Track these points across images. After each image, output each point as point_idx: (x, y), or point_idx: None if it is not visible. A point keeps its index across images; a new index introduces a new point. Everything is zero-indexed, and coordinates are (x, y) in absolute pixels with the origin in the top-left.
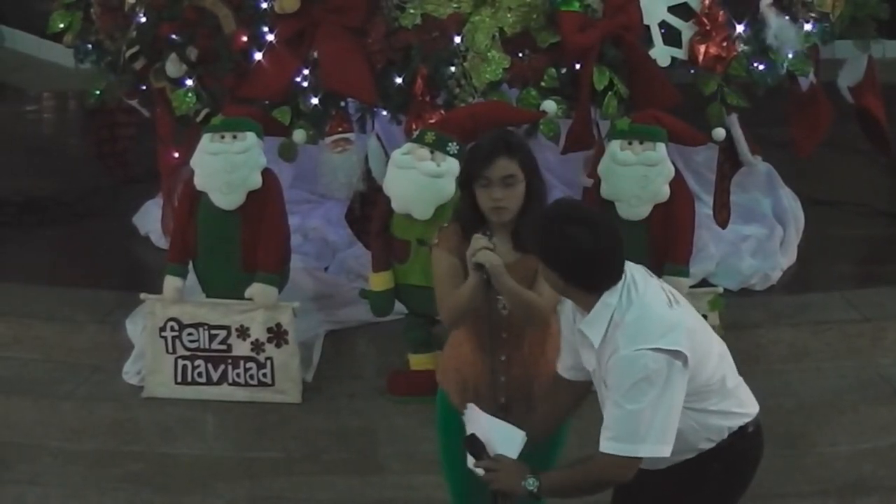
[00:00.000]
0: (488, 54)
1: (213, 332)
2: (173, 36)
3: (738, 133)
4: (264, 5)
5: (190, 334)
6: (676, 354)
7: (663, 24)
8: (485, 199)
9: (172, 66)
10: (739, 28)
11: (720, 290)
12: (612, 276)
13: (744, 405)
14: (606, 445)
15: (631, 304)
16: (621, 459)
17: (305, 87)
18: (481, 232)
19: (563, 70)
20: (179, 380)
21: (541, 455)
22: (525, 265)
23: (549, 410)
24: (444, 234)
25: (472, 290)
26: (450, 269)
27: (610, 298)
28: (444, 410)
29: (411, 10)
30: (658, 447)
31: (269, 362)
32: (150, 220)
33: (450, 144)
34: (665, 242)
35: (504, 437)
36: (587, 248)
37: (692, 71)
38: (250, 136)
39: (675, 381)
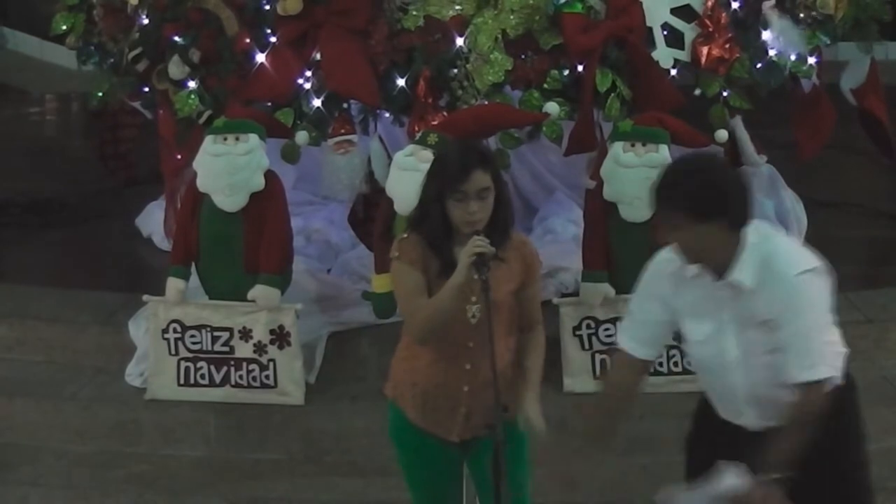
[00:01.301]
0: (491, 56)
1: (216, 333)
2: (176, 38)
3: (744, 134)
4: (267, 7)
5: (192, 336)
6: (826, 271)
7: (666, 26)
8: (461, 213)
9: (175, 68)
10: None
11: None
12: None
13: None
14: (810, 374)
15: (767, 237)
16: (824, 384)
17: (308, 89)
18: (449, 243)
19: (566, 72)
20: (182, 381)
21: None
22: (494, 273)
23: (618, 395)
24: (404, 246)
25: (455, 296)
26: (417, 283)
27: (752, 238)
28: (400, 425)
29: (414, 12)
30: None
31: (271, 364)
32: (153, 221)
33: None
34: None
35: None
36: (744, 181)
37: (695, 73)
38: (253, 138)
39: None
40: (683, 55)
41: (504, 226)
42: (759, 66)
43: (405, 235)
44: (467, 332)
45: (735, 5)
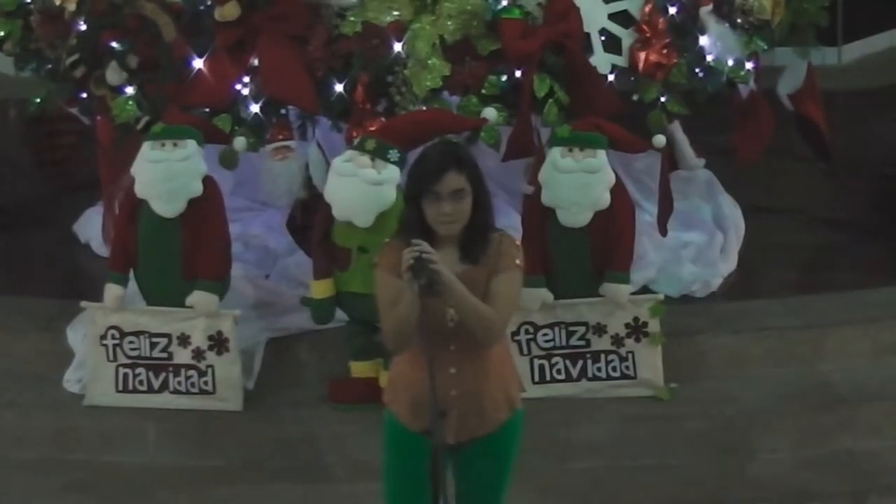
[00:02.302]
0: (429, 62)
1: (154, 339)
2: (113, 44)
3: (683, 138)
4: (203, 8)
5: (131, 342)
6: None
7: (604, 32)
8: (433, 213)
9: (113, 74)
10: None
11: (661, 297)
12: None
13: None
14: None
15: None
16: None
17: (246, 95)
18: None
19: (504, 77)
20: (121, 388)
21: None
22: (472, 276)
23: None
24: (385, 251)
25: (411, 305)
26: (394, 290)
27: None
28: (395, 432)
29: (352, 18)
30: None
31: (210, 370)
32: (91, 228)
33: (390, 152)
34: (606, 249)
35: None
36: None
37: (632, 78)
38: (191, 144)
39: None
40: (621, 61)
41: (482, 230)
42: (696, 71)
43: (388, 241)
44: (448, 337)
45: (672, 10)
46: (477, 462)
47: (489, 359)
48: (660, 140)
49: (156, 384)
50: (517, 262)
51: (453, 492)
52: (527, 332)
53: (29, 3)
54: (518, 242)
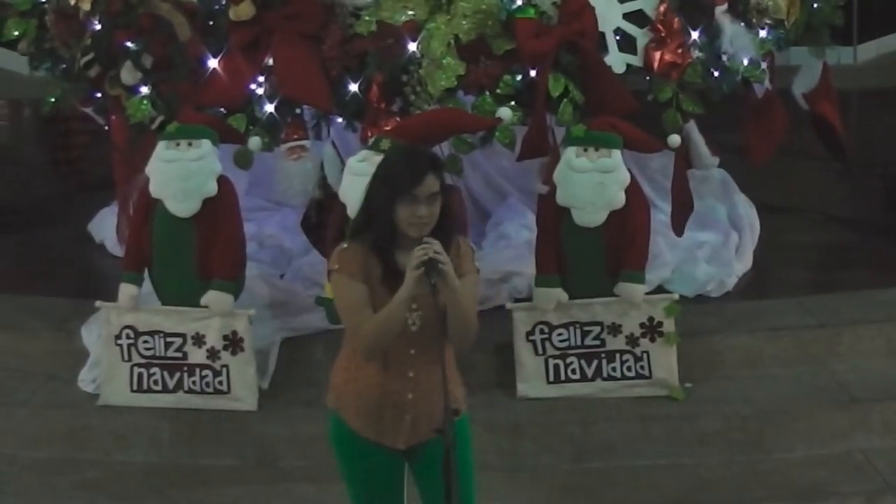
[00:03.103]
0: (443, 61)
1: (169, 339)
2: (128, 43)
3: (698, 138)
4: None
5: (145, 342)
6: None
7: (618, 31)
8: (408, 216)
9: (127, 74)
10: (695, 35)
11: (676, 296)
12: None
13: None
14: None
15: None
16: None
17: (261, 95)
18: (393, 248)
19: (519, 77)
20: (135, 387)
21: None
22: None
23: None
24: (344, 256)
25: (404, 310)
26: (359, 295)
27: None
28: (341, 437)
29: (367, 18)
30: None
31: (224, 370)
32: (106, 227)
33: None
34: (620, 249)
35: None
36: None
37: (647, 78)
38: (205, 144)
39: None
40: (636, 60)
41: (449, 232)
42: (711, 70)
43: (345, 245)
44: (409, 340)
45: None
46: (434, 467)
47: (443, 362)
48: (674, 140)
49: (170, 384)
50: (476, 265)
51: None
52: (542, 331)
53: (43, 3)
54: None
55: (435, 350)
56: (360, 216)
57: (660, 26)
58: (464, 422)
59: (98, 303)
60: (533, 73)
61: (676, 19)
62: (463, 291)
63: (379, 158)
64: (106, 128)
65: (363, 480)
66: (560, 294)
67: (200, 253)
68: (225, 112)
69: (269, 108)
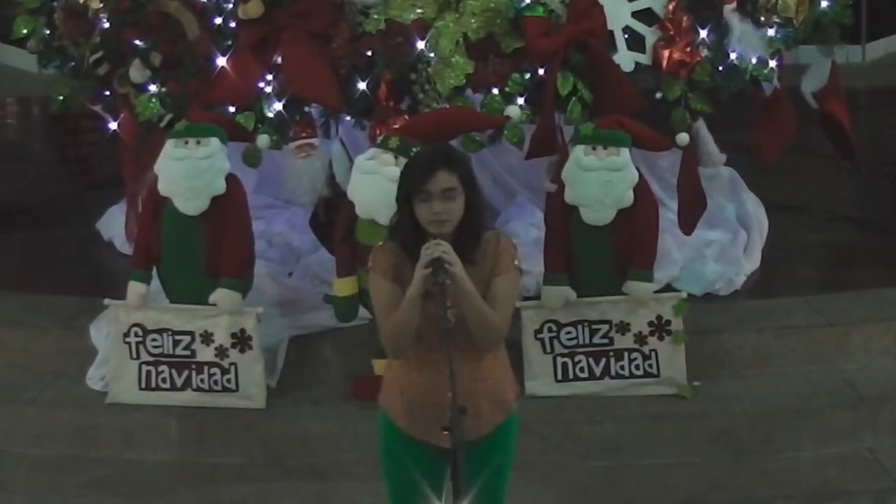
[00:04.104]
0: (452, 59)
1: (177, 337)
2: (137, 41)
3: (706, 135)
4: (229, 7)
5: (154, 340)
6: None
7: (627, 30)
8: (424, 213)
9: (136, 72)
10: (703, 33)
11: (684, 295)
12: None
13: None
14: None
15: None
16: None
17: (269, 93)
18: (420, 247)
19: (527, 75)
20: (143, 385)
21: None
22: (471, 277)
23: None
24: (378, 255)
25: (413, 309)
26: (389, 295)
27: None
28: (389, 434)
29: (375, 16)
30: None
31: (233, 368)
32: (114, 225)
33: (414, 149)
34: (629, 247)
35: None
36: None
37: (657, 76)
38: (214, 142)
39: None
40: (645, 58)
41: (475, 229)
42: (720, 69)
43: (381, 244)
44: (446, 337)
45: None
46: (472, 465)
47: (484, 360)
48: (683, 138)
49: (178, 382)
50: (516, 262)
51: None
52: (550, 330)
53: (52, 1)
54: (514, 242)
55: (474, 347)
56: (394, 215)
57: (668, 25)
58: (511, 423)
59: (106, 301)
60: (541, 71)
61: (685, 18)
62: (474, 294)
63: (387, 156)
64: (113, 126)
65: (402, 478)
66: (568, 292)
67: (209, 251)
68: (233, 110)
69: (278, 106)
